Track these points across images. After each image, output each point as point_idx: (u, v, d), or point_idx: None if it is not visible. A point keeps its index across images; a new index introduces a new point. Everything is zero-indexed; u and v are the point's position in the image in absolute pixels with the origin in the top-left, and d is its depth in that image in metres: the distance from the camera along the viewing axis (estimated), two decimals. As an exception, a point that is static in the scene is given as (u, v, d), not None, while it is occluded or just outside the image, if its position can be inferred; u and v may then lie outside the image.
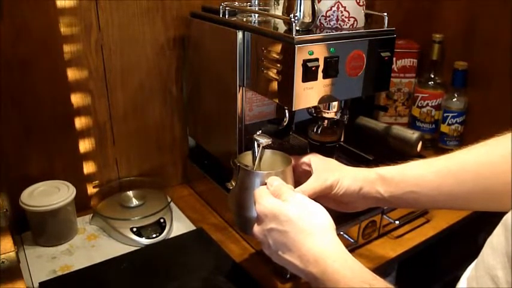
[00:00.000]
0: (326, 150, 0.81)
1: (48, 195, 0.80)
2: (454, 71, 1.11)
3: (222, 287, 0.73)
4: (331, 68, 0.66)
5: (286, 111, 0.80)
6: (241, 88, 0.76)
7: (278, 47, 0.66)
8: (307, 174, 0.66)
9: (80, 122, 0.89)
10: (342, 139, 0.97)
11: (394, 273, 0.93)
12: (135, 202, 0.91)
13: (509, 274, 0.32)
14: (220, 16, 0.80)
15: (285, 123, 0.82)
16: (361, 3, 0.72)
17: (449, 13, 1.15)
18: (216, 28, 0.80)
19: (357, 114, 0.99)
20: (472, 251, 0.42)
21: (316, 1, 0.69)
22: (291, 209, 0.55)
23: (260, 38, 0.70)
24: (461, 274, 0.44)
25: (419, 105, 1.18)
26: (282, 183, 0.62)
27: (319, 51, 0.65)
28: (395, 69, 1.20)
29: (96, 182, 0.95)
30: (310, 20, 0.67)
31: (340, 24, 0.71)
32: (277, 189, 0.59)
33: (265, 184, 0.62)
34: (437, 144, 1.18)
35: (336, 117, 0.80)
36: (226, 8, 0.80)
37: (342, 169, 0.67)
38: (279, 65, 0.67)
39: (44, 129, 0.85)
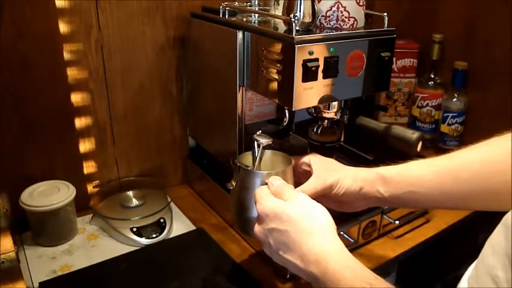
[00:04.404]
0: (326, 150, 0.81)
1: (48, 195, 0.80)
2: (454, 71, 1.11)
3: (222, 287, 0.73)
4: (331, 68, 0.66)
5: (286, 111, 0.80)
6: (241, 88, 0.76)
7: (278, 47, 0.66)
8: (307, 174, 0.66)
9: (80, 122, 0.89)
10: (342, 139, 0.97)
11: (394, 273, 0.93)
12: (135, 202, 0.91)
13: (509, 274, 0.32)
14: (220, 16, 0.80)
15: (285, 123, 0.82)
16: (361, 3, 0.72)
17: (449, 13, 1.15)
18: (216, 28, 0.80)
19: (357, 114, 0.98)
20: (472, 251, 0.42)
21: (316, 1, 0.69)
22: (293, 209, 0.55)
23: (260, 38, 0.70)
24: (461, 274, 0.44)
25: (419, 105, 1.18)
26: (283, 183, 0.61)
27: (319, 51, 0.65)
28: (395, 69, 1.20)
29: (96, 182, 0.95)
30: (310, 20, 0.67)
31: (340, 24, 0.71)
32: (279, 188, 0.59)
33: (266, 184, 0.62)
34: (437, 144, 1.18)
35: (336, 117, 0.80)
36: (226, 8, 0.80)
37: (342, 169, 0.67)
38: (279, 65, 0.66)
39: (44, 129, 0.85)
